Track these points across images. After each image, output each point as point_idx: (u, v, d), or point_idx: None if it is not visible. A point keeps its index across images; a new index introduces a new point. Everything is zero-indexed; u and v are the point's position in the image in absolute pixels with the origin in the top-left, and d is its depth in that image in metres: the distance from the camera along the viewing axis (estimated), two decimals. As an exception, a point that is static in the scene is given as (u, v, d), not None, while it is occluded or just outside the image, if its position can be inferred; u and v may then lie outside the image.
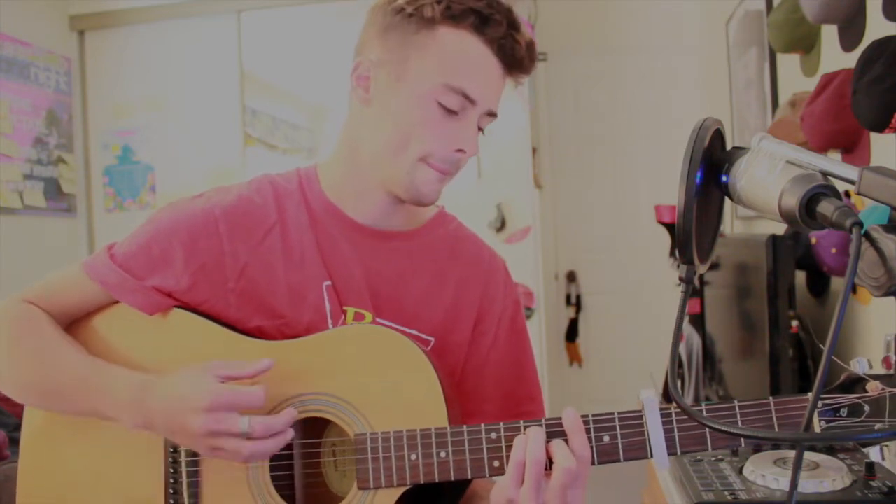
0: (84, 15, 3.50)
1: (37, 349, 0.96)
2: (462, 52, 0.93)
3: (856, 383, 0.79)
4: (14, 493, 1.01)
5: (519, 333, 1.10)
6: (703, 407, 0.84)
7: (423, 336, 1.02)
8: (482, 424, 0.88)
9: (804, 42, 1.91)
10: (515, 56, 0.94)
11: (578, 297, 4.09)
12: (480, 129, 0.98)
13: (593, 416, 0.85)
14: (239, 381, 0.90)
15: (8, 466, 1.35)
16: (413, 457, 0.88)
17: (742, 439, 0.85)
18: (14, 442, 1.81)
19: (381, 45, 0.95)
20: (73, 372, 0.94)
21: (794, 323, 1.70)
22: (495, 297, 1.07)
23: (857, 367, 0.79)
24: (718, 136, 0.71)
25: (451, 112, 0.93)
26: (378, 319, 1.01)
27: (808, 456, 1.30)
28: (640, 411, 0.85)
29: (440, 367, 0.95)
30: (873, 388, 0.78)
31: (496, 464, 0.86)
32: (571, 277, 4.09)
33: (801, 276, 1.88)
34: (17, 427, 1.04)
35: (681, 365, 2.58)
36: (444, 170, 0.96)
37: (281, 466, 0.96)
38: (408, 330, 1.02)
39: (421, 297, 1.03)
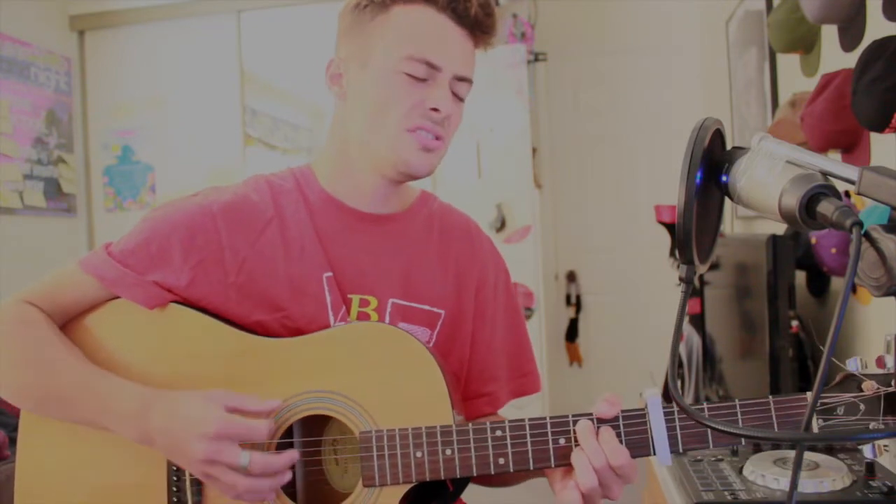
0: (84, 15, 3.50)
1: (36, 353, 0.96)
2: (419, 24, 0.97)
3: (852, 382, 0.80)
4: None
5: (512, 298, 1.16)
6: (705, 406, 0.84)
7: (434, 310, 1.05)
8: (487, 422, 0.89)
9: (804, 42, 1.91)
10: (470, 15, 0.98)
11: (578, 297, 4.09)
12: (459, 97, 1.02)
13: (597, 415, 0.86)
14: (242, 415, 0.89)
15: (8, 466, 1.35)
16: (419, 454, 0.89)
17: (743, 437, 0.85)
18: (14, 442, 1.81)
19: (347, 42, 1.02)
20: (72, 378, 0.94)
21: (794, 323, 1.70)
22: (488, 266, 1.12)
23: (852, 366, 0.79)
24: (718, 136, 0.71)
25: (418, 80, 0.97)
26: (390, 300, 1.03)
27: (808, 456, 1.30)
28: (643, 409, 0.85)
29: (444, 363, 0.96)
30: (868, 387, 0.79)
31: (501, 461, 0.87)
32: (571, 277, 4.09)
33: (801, 276, 1.88)
34: (18, 427, 1.03)
35: (681, 365, 2.58)
36: (427, 129, 0.98)
37: None
38: (419, 306, 1.04)
39: (427, 272, 1.06)
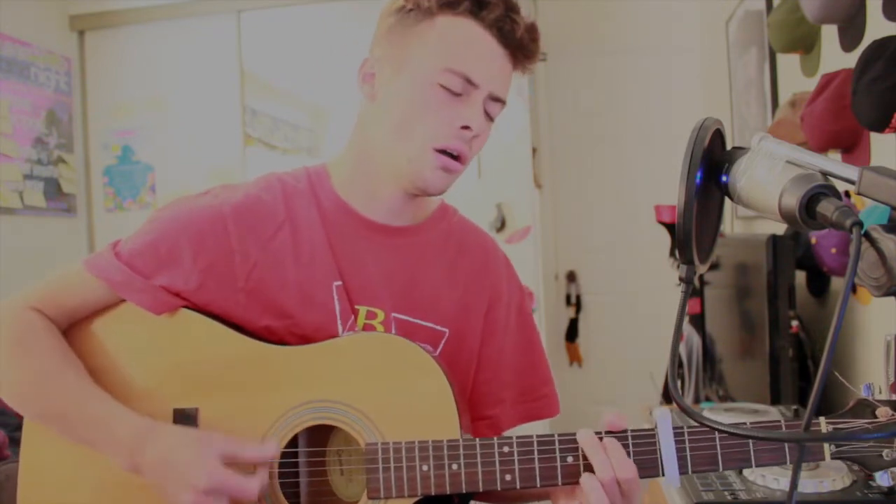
0: (84, 15, 3.50)
1: (38, 370, 0.95)
2: (461, 36, 0.95)
3: (865, 408, 0.79)
4: (15, 492, 1.00)
5: (527, 319, 1.12)
6: (716, 426, 0.84)
7: (438, 328, 1.03)
8: (494, 438, 0.88)
9: (804, 42, 1.91)
10: (515, 37, 0.95)
11: (578, 297, 4.08)
12: (491, 116, 0.99)
13: (606, 433, 0.85)
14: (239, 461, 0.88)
15: (8, 466, 1.35)
16: (425, 468, 0.88)
17: (753, 459, 0.84)
18: (14, 442, 1.81)
19: (386, 42, 0.99)
20: (72, 399, 0.93)
21: (794, 323, 1.70)
22: (501, 286, 1.09)
23: (865, 391, 0.79)
24: (718, 136, 0.71)
25: (454, 95, 0.94)
26: (393, 314, 1.01)
27: (809, 456, 1.30)
28: (652, 429, 0.85)
29: (452, 376, 0.94)
30: (883, 413, 0.78)
31: (508, 477, 0.86)
32: (571, 277, 4.09)
33: (801, 276, 1.88)
34: (18, 427, 1.03)
35: (681, 365, 2.58)
36: (452, 149, 0.95)
37: (288, 472, 0.95)
38: (423, 322, 1.02)
39: (433, 289, 1.04)
